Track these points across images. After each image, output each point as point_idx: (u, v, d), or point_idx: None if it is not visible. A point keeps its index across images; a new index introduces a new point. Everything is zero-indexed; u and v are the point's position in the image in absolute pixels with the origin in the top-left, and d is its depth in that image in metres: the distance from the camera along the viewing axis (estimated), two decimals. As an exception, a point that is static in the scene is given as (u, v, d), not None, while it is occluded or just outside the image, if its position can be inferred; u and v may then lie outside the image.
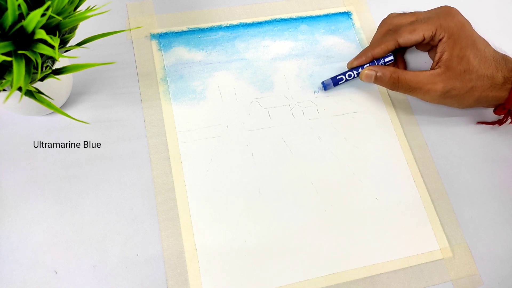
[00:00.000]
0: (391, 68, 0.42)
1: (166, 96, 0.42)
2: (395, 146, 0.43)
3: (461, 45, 0.40)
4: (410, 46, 0.44)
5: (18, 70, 0.27)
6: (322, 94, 0.45)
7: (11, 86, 0.27)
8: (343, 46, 0.48)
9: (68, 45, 0.32)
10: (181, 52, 0.45)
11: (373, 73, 0.42)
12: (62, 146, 0.39)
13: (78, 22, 0.30)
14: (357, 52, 0.47)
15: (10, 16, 0.26)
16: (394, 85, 0.42)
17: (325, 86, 0.44)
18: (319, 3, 0.50)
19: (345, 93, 0.45)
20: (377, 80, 0.42)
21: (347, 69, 0.45)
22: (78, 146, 0.39)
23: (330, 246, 0.38)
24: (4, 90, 0.31)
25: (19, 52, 0.27)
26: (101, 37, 0.32)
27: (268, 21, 0.48)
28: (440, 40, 0.41)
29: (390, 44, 0.42)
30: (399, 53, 0.46)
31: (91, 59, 0.42)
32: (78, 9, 0.32)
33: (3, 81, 0.28)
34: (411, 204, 0.41)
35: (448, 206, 0.41)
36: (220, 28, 0.47)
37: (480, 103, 0.42)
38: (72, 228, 0.36)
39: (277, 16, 0.48)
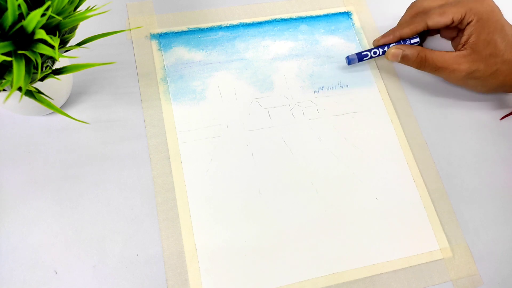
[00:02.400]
0: (418, 47, 0.43)
1: (166, 96, 0.42)
2: (395, 146, 0.43)
3: (489, 29, 0.41)
4: (438, 30, 0.45)
5: (18, 70, 0.27)
6: (322, 94, 0.45)
7: (11, 86, 0.27)
8: (343, 46, 0.48)
9: (68, 45, 0.32)
10: (181, 52, 0.45)
11: (400, 51, 0.43)
12: (62, 146, 0.39)
13: (78, 22, 0.30)
14: (356, 52, 0.47)
15: (10, 16, 0.26)
16: (421, 64, 0.43)
17: (350, 61, 0.45)
18: (319, 3, 0.50)
19: (345, 93, 0.45)
20: (404, 59, 0.43)
21: (373, 46, 0.46)
22: (78, 146, 0.39)
23: (330, 246, 0.38)
24: (4, 90, 0.31)
25: (19, 52, 0.27)
26: (101, 37, 0.32)
27: (268, 21, 0.48)
28: (468, 23, 0.42)
29: (419, 26, 0.43)
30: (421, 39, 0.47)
31: (91, 59, 0.42)
32: (78, 9, 0.32)
33: (3, 81, 0.28)
34: (411, 204, 0.40)
35: (448, 206, 0.41)
36: (220, 28, 0.47)
37: (504, 87, 0.43)
38: (72, 228, 0.36)
39: (277, 16, 0.48)
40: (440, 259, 0.39)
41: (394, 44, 0.45)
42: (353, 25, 0.49)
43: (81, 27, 0.34)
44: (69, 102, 0.41)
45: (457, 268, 0.38)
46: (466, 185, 0.42)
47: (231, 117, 0.42)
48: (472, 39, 0.41)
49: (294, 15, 0.49)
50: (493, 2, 0.43)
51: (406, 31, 0.44)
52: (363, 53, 0.45)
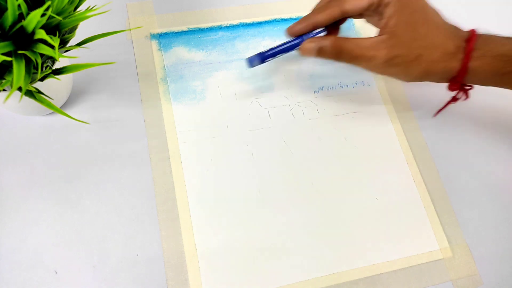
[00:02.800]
0: (332, 37, 0.38)
1: (166, 96, 0.42)
2: (395, 146, 0.43)
3: (409, 11, 0.37)
4: (357, 16, 0.39)
5: (18, 70, 0.27)
6: (322, 94, 0.45)
7: (11, 86, 0.27)
8: (343, 46, 0.47)
9: (68, 45, 0.32)
10: (181, 52, 0.45)
11: (314, 45, 0.38)
12: (62, 146, 0.39)
13: (78, 22, 0.30)
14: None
15: (10, 16, 0.26)
16: (337, 54, 0.38)
17: (251, 62, 0.40)
18: (319, 3, 0.50)
19: (345, 93, 0.45)
20: (320, 52, 0.38)
21: (286, 38, 0.40)
22: (78, 146, 0.39)
23: (330, 246, 0.38)
24: (4, 90, 0.31)
25: (19, 52, 0.27)
26: (101, 37, 0.32)
27: (268, 21, 0.48)
28: (387, 6, 0.37)
29: (335, 11, 0.38)
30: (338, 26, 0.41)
31: (91, 59, 0.42)
32: (78, 9, 0.32)
33: (3, 81, 0.28)
34: (411, 204, 0.41)
35: (448, 206, 0.41)
36: (220, 28, 0.47)
37: (430, 75, 0.38)
38: (72, 228, 0.36)
39: (277, 16, 0.48)
40: (440, 259, 0.39)
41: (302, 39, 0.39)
42: (353, 25, 0.49)
43: (81, 27, 0.34)
44: (69, 102, 0.41)
45: (457, 268, 0.38)
46: (466, 185, 0.42)
47: (231, 117, 0.42)
48: (391, 22, 0.36)
49: (294, 15, 0.49)
50: None
51: (321, 17, 0.38)
52: (266, 54, 0.39)
